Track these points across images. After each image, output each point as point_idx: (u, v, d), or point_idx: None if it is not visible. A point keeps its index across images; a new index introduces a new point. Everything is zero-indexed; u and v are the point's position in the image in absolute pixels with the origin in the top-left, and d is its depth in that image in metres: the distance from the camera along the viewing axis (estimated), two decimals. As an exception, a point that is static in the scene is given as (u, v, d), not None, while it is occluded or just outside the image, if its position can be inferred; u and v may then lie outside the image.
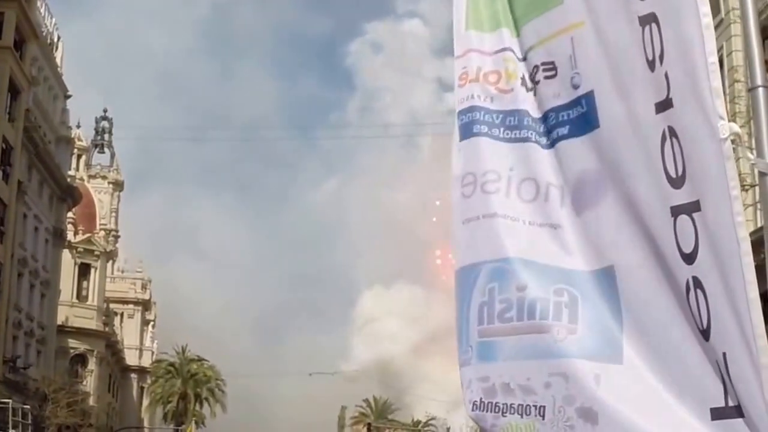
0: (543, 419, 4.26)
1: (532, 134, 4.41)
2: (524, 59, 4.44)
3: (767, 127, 3.50)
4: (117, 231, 78.40)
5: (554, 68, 4.24)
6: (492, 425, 4.55)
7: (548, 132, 4.30)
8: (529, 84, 4.41)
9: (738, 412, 3.58)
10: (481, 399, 4.62)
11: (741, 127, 3.55)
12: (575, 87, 4.15)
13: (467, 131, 4.59)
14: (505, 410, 4.47)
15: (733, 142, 3.40)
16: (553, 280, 4.21)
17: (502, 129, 4.47)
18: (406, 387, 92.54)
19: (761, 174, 3.57)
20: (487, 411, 4.55)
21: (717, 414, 3.67)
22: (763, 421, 3.49)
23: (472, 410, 4.68)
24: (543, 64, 4.30)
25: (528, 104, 4.43)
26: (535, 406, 4.29)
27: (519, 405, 4.41)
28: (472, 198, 4.50)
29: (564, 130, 4.21)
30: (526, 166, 4.41)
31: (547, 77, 4.28)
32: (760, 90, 3.58)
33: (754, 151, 3.50)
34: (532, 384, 4.26)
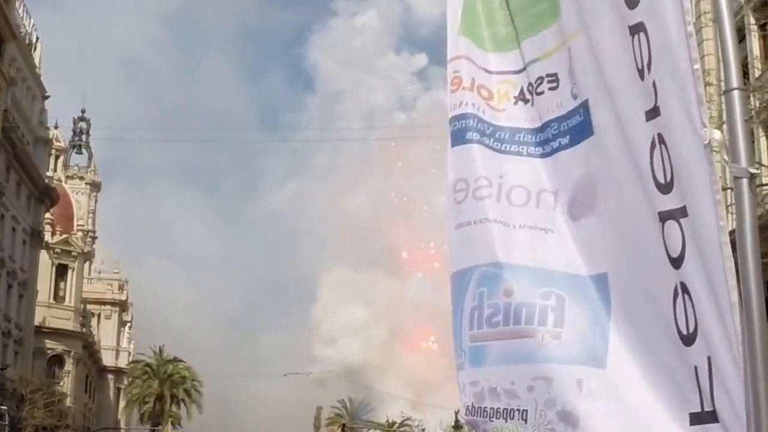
0: (525, 423, 4.36)
1: (523, 149, 4.52)
2: (524, 70, 4.54)
3: (742, 131, 3.53)
4: (94, 232, 77.95)
5: (557, 80, 4.35)
6: (483, 430, 4.66)
7: (547, 142, 4.40)
8: (527, 96, 4.51)
9: (713, 417, 3.67)
10: (473, 404, 4.73)
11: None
12: (574, 97, 4.26)
13: (459, 138, 4.69)
14: (492, 415, 4.57)
15: (712, 146, 3.49)
16: (540, 283, 4.30)
17: (492, 140, 4.57)
18: (380, 387, 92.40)
19: (735, 178, 3.59)
20: (478, 416, 4.66)
21: (695, 419, 3.76)
22: (738, 426, 3.57)
23: (466, 415, 4.81)
24: (548, 75, 4.40)
25: (522, 119, 4.53)
26: (518, 410, 4.39)
27: (504, 409, 4.51)
28: (465, 204, 4.61)
29: (565, 140, 4.31)
30: (516, 175, 4.50)
31: (551, 89, 4.38)
32: (735, 93, 3.59)
33: (729, 154, 3.55)
34: (516, 388, 4.34)
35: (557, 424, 4.24)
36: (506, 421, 4.49)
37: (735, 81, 3.58)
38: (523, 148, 4.60)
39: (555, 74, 4.45)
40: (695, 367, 3.69)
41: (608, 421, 4.07)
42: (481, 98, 4.77)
